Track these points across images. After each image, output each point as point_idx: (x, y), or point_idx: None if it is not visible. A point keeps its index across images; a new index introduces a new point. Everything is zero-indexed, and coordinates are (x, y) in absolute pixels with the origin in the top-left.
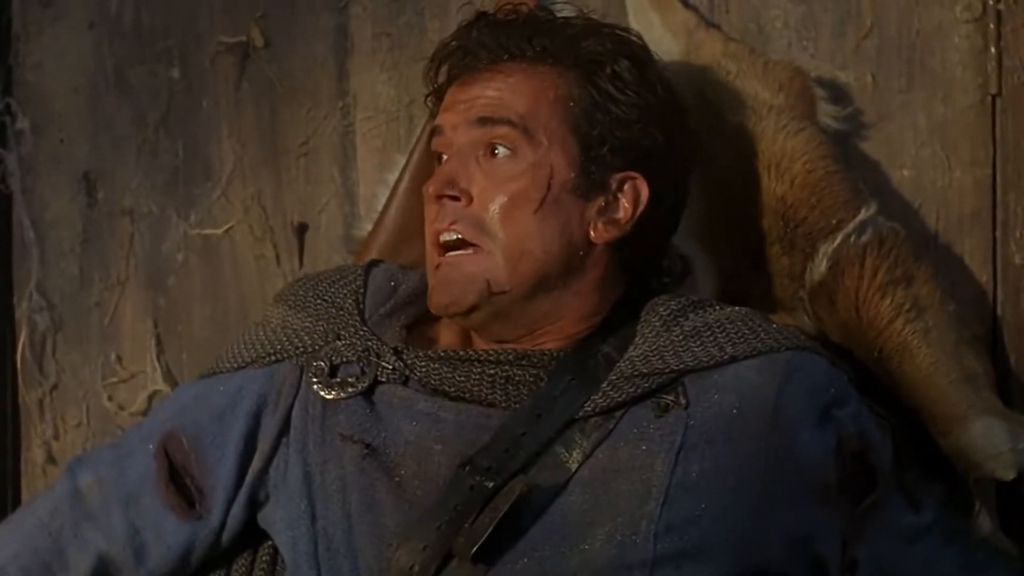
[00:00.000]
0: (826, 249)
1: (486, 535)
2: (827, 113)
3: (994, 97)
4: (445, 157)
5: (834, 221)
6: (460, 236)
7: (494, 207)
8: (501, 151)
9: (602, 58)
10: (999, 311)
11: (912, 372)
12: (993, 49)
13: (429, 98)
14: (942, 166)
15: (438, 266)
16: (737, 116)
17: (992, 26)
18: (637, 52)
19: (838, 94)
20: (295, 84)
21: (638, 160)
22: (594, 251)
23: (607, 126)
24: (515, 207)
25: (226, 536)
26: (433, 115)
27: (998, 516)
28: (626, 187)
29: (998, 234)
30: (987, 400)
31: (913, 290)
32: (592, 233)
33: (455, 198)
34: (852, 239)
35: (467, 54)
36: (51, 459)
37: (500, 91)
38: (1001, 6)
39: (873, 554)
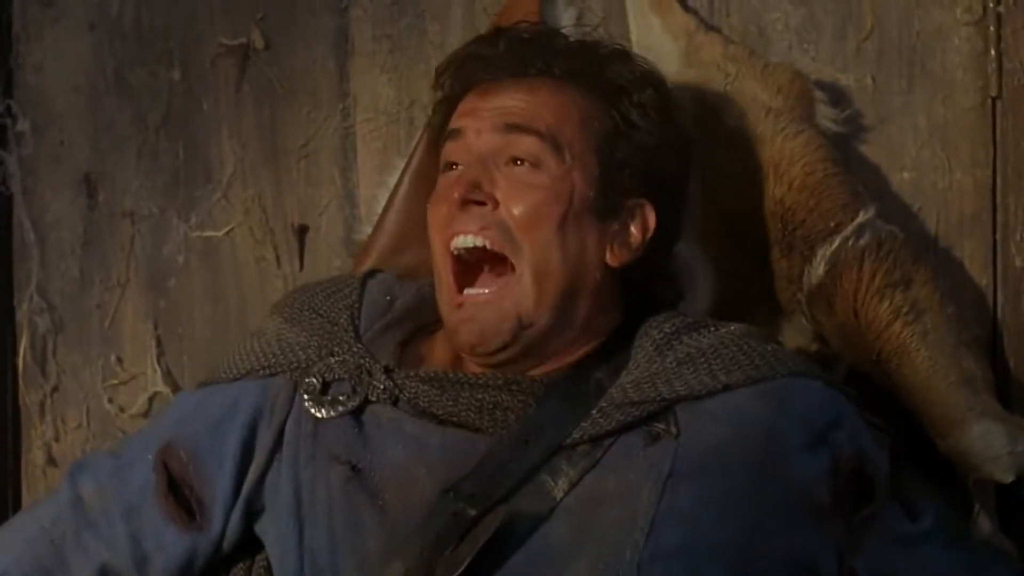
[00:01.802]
0: (824, 252)
1: (466, 564)
2: (826, 116)
3: (994, 99)
4: (457, 166)
5: (832, 224)
6: (487, 244)
7: (520, 214)
8: (525, 162)
9: (628, 86)
10: (999, 313)
11: (911, 375)
12: (993, 51)
13: (437, 104)
14: (942, 168)
15: (460, 305)
16: (736, 119)
17: (992, 28)
18: (661, 83)
19: (838, 96)
20: (295, 86)
21: (651, 188)
22: (606, 274)
23: (627, 152)
24: (540, 218)
25: (226, 545)
26: (440, 121)
27: (997, 518)
28: (636, 213)
29: (998, 236)
30: (986, 403)
31: (912, 293)
32: (608, 256)
33: (482, 203)
34: (850, 242)
35: (490, 64)
36: (51, 461)
37: (527, 103)
38: (1001, 8)
39: (871, 564)
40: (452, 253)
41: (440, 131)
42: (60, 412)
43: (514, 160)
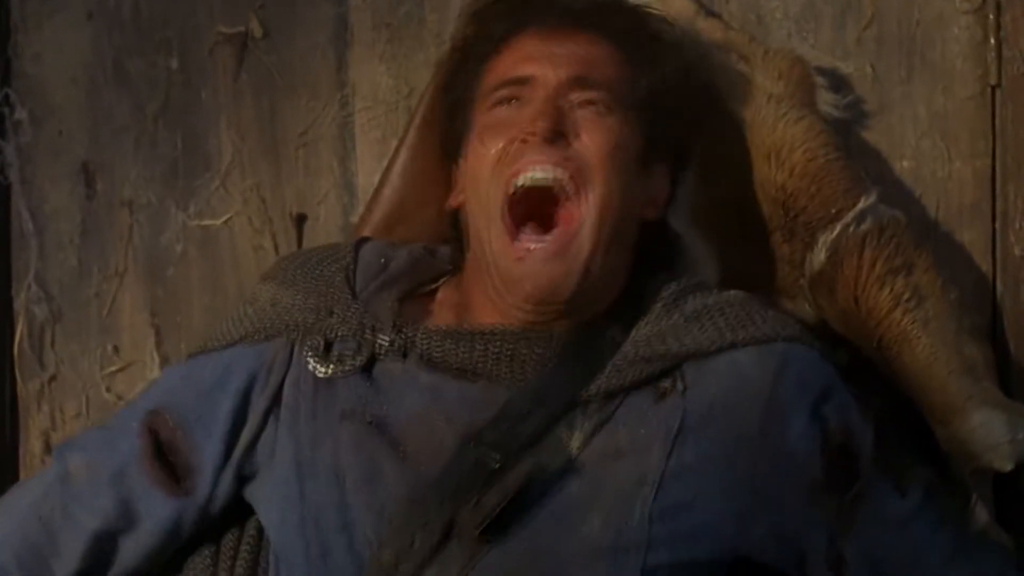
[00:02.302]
0: (825, 238)
1: (495, 514)
2: (827, 101)
3: (994, 88)
4: (520, 101)
5: (834, 210)
6: (565, 177)
7: (597, 150)
8: (594, 108)
9: (675, 61)
10: (998, 302)
11: (911, 362)
12: (993, 40)
13: (477, 38)
14: (942, 157)
15: (521, 258)
16: (737, 105)
17: (992, 17)
18: (696, 55)
19: (838, 82)
20: (294, 75)
21: (675, 155)
22: (637, 228)
23: (663, 117)
24: (612, 157)
25: (213, 511)
26: (455, 68)
27: (996, 507)
28: (661, 176)
29: (997, 225)
30: (987, 390)
31: (913, 279)
32: (646, 209)
33: (561, 136)
34: (851, 228)
35: (549, 9)
36: (49, 450)
37: (593, 55)
38: None
39: (862, 543)
40: (510, 194)
41: (453, 81)
42: (58, 401)
43: (588, 103)
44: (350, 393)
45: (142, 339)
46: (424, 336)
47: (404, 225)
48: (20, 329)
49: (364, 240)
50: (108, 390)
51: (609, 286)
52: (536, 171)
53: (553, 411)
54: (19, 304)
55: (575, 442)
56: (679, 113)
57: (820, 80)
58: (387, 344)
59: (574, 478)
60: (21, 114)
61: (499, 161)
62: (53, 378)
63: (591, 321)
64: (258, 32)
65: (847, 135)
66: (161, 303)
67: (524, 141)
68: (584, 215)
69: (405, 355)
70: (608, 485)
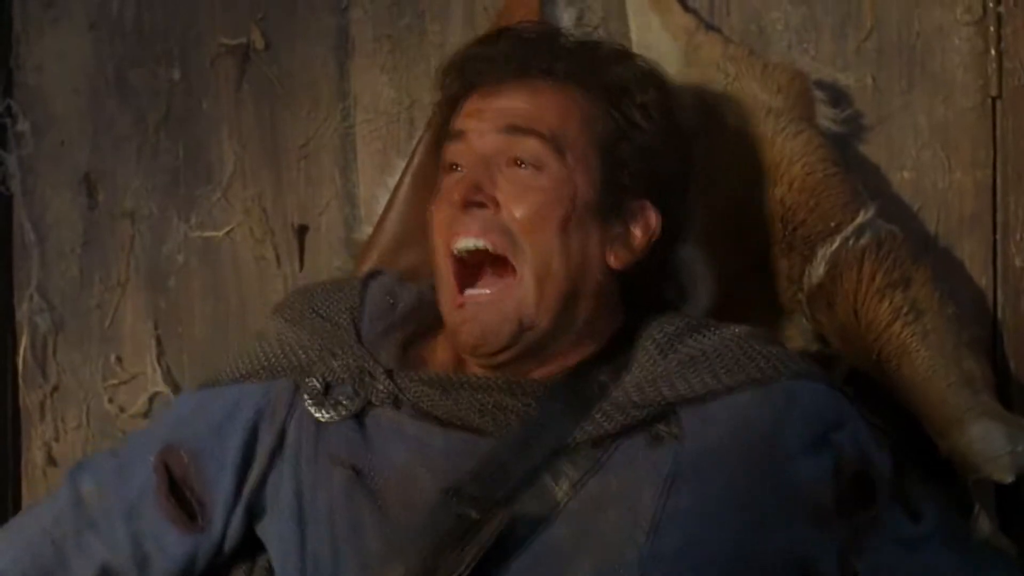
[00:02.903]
0: (824, 252)
1: (468, 567)
2: (826, 115)
3: (994, 99)
4: (459, 167)
5: (832, 224)
6: (489, 246)
7: (521, 215)
8: (527, 164)
9: (630, 86)
10: (999, 314)
11: (911, 375)
12: (993, 51)
13: (439, 104)
14: (942, 168)
15: (461, 305)
16: (736, 119)
17: (992, 28)
18: (663, 83)
19: (838, 96)
20: (295, 86)
21: (653, 189)
22: (608, 276)
23: (629, 153)
24: (542, 220)
25: (227, 547)
26: (442, 121)
27: (997, 518)
28: (639, 214)
29: (998, 236)
30: (986, 403)
31: (911, 293)
32: (611, 258)
33: (483, 204)
34: (850, 242)
35: (493, 65)
36: (51, 461)
37: (529, 104)
38: (1001, 8)
39: (874, 566)
40: (454, 254)
41: (441, 131)
42: (60, 412)
43: (516, 162)
44: (340, 439)
45: (144, 350)
46: (414, 385)
47: (411, 250)
48: (22, 340)
49: (373, 275)
50: (110, 401)
51: (582, 335)
52: (462, 241)
53: (537, 459)
54: (21, 314)
55: (561, 490)
56: (650, 148)
57: (819, 94)
58: (381, 392)
59: (560, 525)
60: (23, 125)
61: (441, 227)
62: (55, 388)
63: (578, 367)
64: (259, 43)
65: (847, 146)
66: (163, 313)
67: (453, 208)
68: (521, 272)
69: (397, 404)
70: (598, 531)
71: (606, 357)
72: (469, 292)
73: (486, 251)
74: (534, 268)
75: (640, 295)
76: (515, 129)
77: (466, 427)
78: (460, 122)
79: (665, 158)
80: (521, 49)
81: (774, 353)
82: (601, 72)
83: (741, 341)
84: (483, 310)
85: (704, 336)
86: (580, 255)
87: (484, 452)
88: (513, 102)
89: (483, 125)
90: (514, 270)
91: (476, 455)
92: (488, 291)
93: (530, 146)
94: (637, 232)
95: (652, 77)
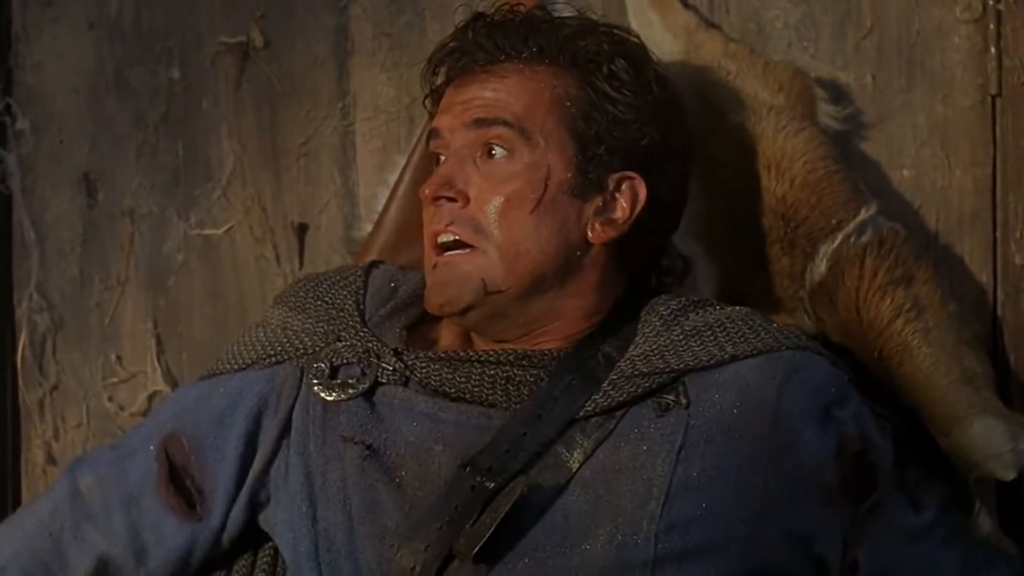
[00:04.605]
0: (826, 249)
1: (488, 536)
2: (827, 113)
3: (994, 97)
4: (443, 158)
5: (834, 221)
6: (457, 237)
7: (490, 208)
8: (498, 152)
9: (599, 58)
10: (999, 311)
11: (912, 372)
12: (993, 49)
13: (427, 100)
14: (942, 166)
15: (435, 266)
16: (737, 116)
17: (992, 26)
18: (634, 51)
19: (838, 94)
20: (295, 84)
21: (636, 160)
22: (591, 251)
23: (604, 126)
24: (511, 208)
25: (226, 537)
26: (432, 116)
27: (998, 515)
28: (624, 187)
29: (998, 234)
30: (987, 400)
31: (913, 290)
32: (590, 233)
33: (452, 199)
34: (852, 239)
35: (464, 55)
36: (51, 459)
37: (496, 92)
38: (1001, 6)
39: (874, 555)
40: (437, 243)
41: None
42: (60, 411)
43: (488, 152)
44: (351, 419)
45: (143, 348)
46: (423, 363)
47: (410, 247)
48: (22, 338)
49: (375, 264)
50: (110, 399)
51: (576, 306)
52: (440, 235)
53: (550, 431)
54: (21, 313)
55: (575, 460)
56: (626, 119)
57: (820, 92)
58: (390, 371)
59: (575, 496)
60: (23, 124)
61: (425, 220)
62: (55, 387)
63: (584, 340)
64: (259, 42)
65: (847, 144)
66: (162, 312)
67: (427, 202)
68: (486, 251)
69: (406, 382)
70: (611, 501)
71: (611, 329)
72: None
73: (457, 242)
74: (499, 250)
75: (636, 266)
76: (480, 121)
77: (477, 401)
78: (437, 118)
79: (642, 127)
80: (490, 35)
81: (776, 327)
82: (569, 48)
83: (745, 315)
84: (450, 270)
85: (708, 311)
86: (555, 235)
87: (497, 425)
88: (479, 92)
89: (454, 121)
90: (483, 252)
91: (490, 428)
92: (455, 253)
93: (496, 134)
94: (623, 204)
95: (620, 46)
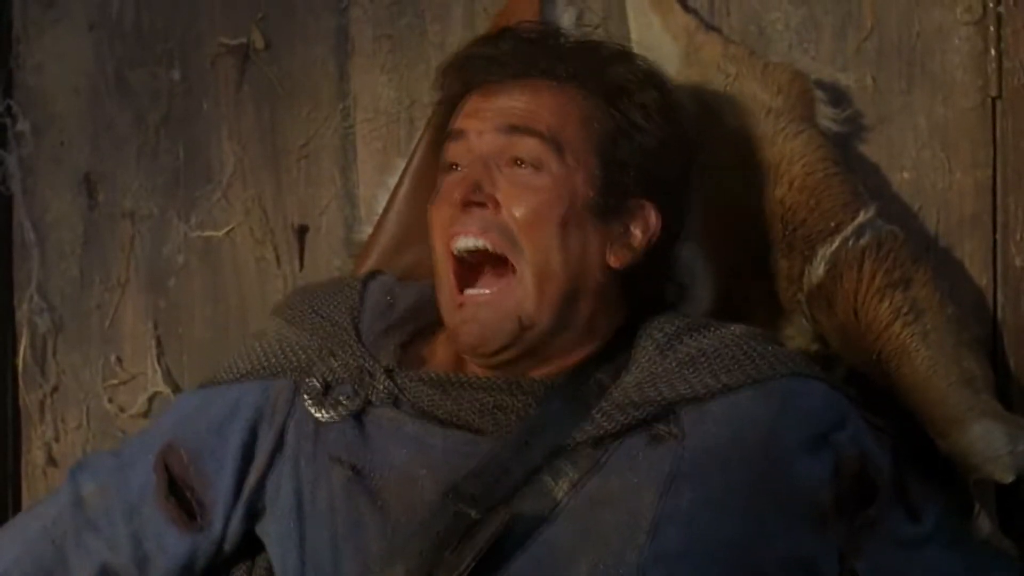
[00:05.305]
0: (824, 252)
1: (468, 567)
2: (826, 115)
3: (994, 99)
4: (458, 167)
5: (833, 224)
6: (489, 246)
7: (521, 215)
8: (526, 163)
9: (630, 86)
10: (999, 314)
11: (911, 375)
12: (993, 51)
13: (439, 104)
14: (942, 168)
15: (461, 305)
16: (736, 119)
17: (992, 28)
18: (663, 84)
19: (838, 96)
20: (295, 86)
21: (653, 189)
22: (605, 276)
23: (629, 153)
24: (540, 219)
25: (227, 546)
26: (441, 121)
27: (998, 518)
28: (639, 214)
29: (998, 236)
30: (986, 403)
31: (912, 293)
32: (611, 257)
33: (482, 204)
34: (850, 242)
35: (493, 64)
36: (52, 461)
37: (529, 104)
38: (1001, 8)
39: (875, 567)
40: (453, 254)
41: (441, 131)
42: (60, 412)
43: (516, 161)
44: (339, 438)
45: (144, 350)
46: (414, 384)
47: (410, 250)
48: (22, 340)
49: (373, 275)
50: (110, 401)
51: (582, 334)
52: (462, 240)
53: (536, 459)
54: (21, 315)
55: (560, 489)
56: (650, 148)
57: (819, 94)
58: (381, 391)
59: (560, 525)
60: (23, 125)
61: (441, 226)
62: (55, 389)
63: (578, 367)
64: (259, 43)
65: (847, 146)
66: (163, 314)
67: (452, 208)
68: (521, 271)
69: (397, 403)
70: (598, 531)
71: (606, 356)
72: (469, 292)
73: (485, 251)
74: (533, 266)
75: (641, 294)
76: (514, 129)
77: (466, 427)
78: (460, 122)
79: (665, 158)
80: (522, 49)
81: (773, 352)
82: (601, 72)
83: (740, 340)
84: (482, 310)
85: (703, 336)
86: (580, 254)
87: (484, 452)
88: (513, 102)
89: (483, 125)
90: (513, 269)
91: (476, 455)
92: (487, 291)
93: (529, 146)
94: (637, 232)
95: (653, 77)
